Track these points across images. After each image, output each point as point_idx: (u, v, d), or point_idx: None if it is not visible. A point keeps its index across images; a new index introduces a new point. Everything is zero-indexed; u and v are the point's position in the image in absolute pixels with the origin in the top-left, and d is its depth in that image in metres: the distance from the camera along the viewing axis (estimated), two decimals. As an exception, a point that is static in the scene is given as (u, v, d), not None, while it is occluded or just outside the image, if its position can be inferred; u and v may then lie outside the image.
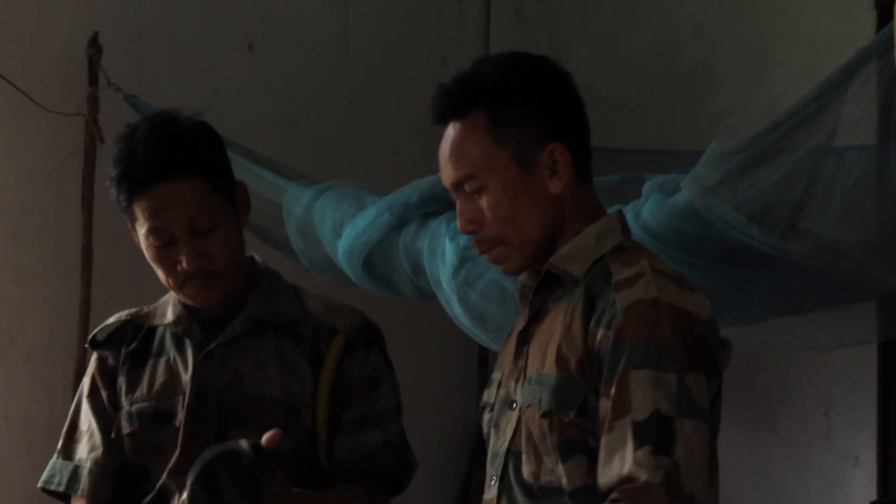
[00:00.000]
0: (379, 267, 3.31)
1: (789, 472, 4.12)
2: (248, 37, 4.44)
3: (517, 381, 2.07)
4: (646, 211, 2.77)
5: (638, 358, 1.88)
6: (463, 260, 2.91)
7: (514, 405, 2.06)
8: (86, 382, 2.51)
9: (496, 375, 2.17)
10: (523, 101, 2.05)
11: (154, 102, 3.79)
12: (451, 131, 2.06)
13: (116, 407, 2.44)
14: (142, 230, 2.31)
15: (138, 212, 2.32)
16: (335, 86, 4.63)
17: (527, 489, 2.01)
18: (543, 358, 2.02)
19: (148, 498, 2.36)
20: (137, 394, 2.41)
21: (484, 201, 2.02)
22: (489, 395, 2.18)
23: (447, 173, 2.06)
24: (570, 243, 2.05)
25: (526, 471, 2.01)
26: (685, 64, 4.40)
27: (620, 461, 1.85)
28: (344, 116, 4.65)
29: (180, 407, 2.36)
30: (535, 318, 2.08)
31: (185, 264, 2.29)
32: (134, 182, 2.30)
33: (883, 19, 3.67)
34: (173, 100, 4.05)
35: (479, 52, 4.90)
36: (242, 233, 2.42)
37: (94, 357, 2.51)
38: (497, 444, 2.08)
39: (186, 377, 2.37)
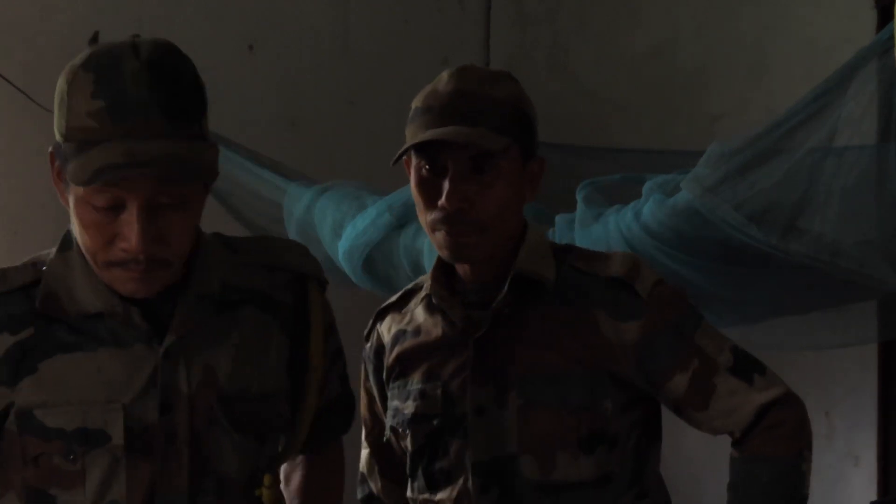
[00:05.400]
0: (379, 267, 3.31)
1: (789, 473, 4.11)
2: (248, 37, 4.44)
3: (481, 387, 2.07)
4: (646, 211, 2.77)
5: (688, 325, 2.07)
6: (463, 260, 2.91)
7: (484, 411, 2.06)
8: None
9: (427, 386, 2.11)
10: (533, 113, 2.10)
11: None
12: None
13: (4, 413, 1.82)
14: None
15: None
16: (335, 86, 4.64)
17: (535, 488, 2.05)
18: (543, 359, 2.05)
19: None
20: (49, 402, 1.79)
21: (490, 186, 2.03)
22: (423, 406, 2.12)
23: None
24: (524, 250, 2.09)
25: (528, 471, 2.04)
26: (685, 64, 4.40)
27: (746, 402, 2.05)
28: (344, 116, 4.65)
29: (118, 425, 1.78)
30: (495, 325, 2.08)
31: (132, 244, 1.72)
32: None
33: (883, 19, 3.67)
34: (173, 100, 4.07)
35: (479, 52, 4.91)
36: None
37: None
38: (477, 453, 2.07)
39: (137, 383, 1.80)
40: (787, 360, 4.06)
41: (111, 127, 1.67)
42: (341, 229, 3.39)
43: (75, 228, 1.76)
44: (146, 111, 1.67)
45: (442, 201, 2.02)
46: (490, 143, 2.00)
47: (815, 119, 2.54)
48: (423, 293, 2.17)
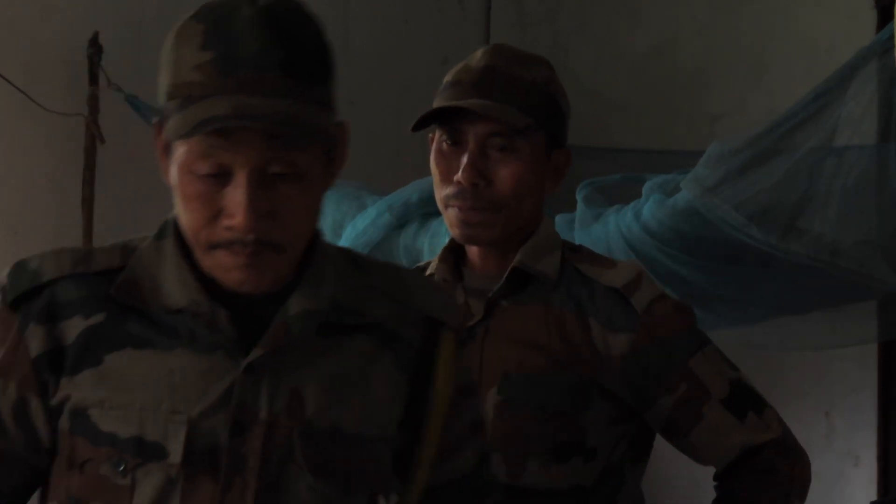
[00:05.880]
0: (379, 267, 3.31)
1: (789, 473, 4.12)
2: (248, 37, 4.44)
3: None
4: (646, 211, 2.77)
5: (683, 348, 1.98)
6: (463, 260, 2.91)
7: None
8: None
9: None
10: (564, 104, 2.08)
11: (154, 102, 3.78)
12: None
13: (51, 412, 1.56)
14: (182, 149, 1.50)
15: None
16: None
17: (500, 489, 1.97)
18: (530, 359, 2.00)
19: None
20: (107, 402, 1.54)
21: (509, 164, 1.99)
22: None
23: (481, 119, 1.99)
24: (530, 244, 2.04)
25: (496, 470, 1.98)
26: (685, 64, 4.40)
27: (732, 438, 1.97)
28: (344, 116, 4.63)
29: (178, 440, 1.52)
30: (489, 317, 2.03)
31: (238, 220, 1.47)
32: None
33: (883, 19, 3.67)
34: (173, 100, 4.07)
35: (479, 53, 4.91)
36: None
37: (12, 327, 1.57)
38: None
39: (210, 396, 1.53)
40: (787, 360, 4.08)
41: (220, 80, 1.46)
42: (341, 229, 3.39)
43: (178, 207, 1.52)
44: (260, 65, 1.46)
45: (458, 176, 1.98)
46: (512, 120, 1.97)
47: (815, 119, 2.54)
48: (428, 272, 2.13)
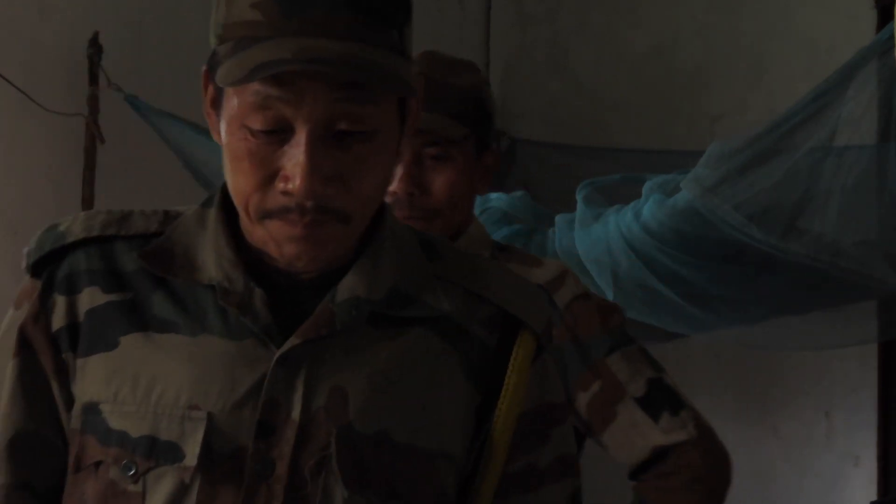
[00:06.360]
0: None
1: (789, 472, 4.12)
2: (248, 37, 4.44)
3: None
4: (646, 211, 2.77)
5: (602, 347, 1.95)
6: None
7: None
8: (9, 339, 1.38)
9: None
10: (492, 106, 2.08)
11: (154, 102, 3.79)
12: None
13: (69, 401, 1.36)
14: (234, 100, 1.29)
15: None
16: (335, 86, 4.63)
17: None
18: None
19: None
20: (120, 395, 1.32)
21: (443, 173, 1.99)
22: None
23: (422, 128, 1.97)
24: (460, 242, 2.03)
25: None
26: (685, 64, 4.41)
27: (643, 438, 1.92)
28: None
29: (195, 440, 1.29)
30: None
31: (296, 184, 1.25)
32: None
33: (883, 19, 3.68)
34: (173, 100, 4.07)
35: (479, 53, 4.91)
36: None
37: (33, 294, 1.38)
38: None
39: (237, 391, 1.30)
40: (787, 360, 4.08)
41: (281, 21, 1.25)
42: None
43: (226, 170, 1.31)
44: (328, 3, 1.25)
45: (393, 186, 1.96)
46: (448, 131, 1.98)
47: (815, 119, 2.54)
48: None
